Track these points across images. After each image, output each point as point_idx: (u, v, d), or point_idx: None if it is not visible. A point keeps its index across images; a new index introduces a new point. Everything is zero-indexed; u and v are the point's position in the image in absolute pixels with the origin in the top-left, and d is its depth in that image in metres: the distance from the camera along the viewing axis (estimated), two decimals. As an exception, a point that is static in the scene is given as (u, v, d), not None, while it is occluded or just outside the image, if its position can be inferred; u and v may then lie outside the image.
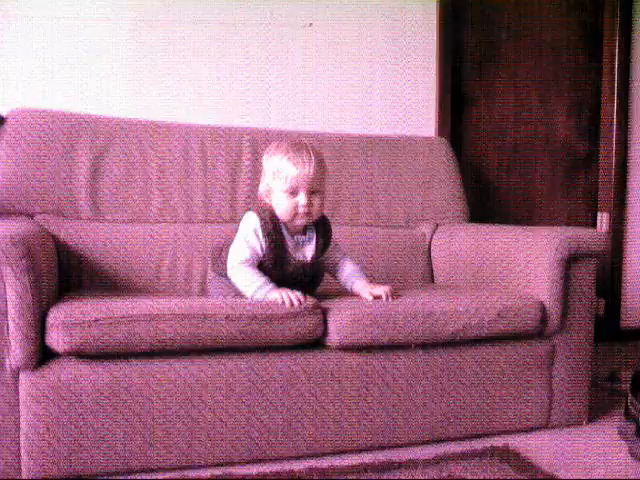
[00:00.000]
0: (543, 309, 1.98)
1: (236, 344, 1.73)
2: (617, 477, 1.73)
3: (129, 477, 1.66)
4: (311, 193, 1.87)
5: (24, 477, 1.62)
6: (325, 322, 1.81)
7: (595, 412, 2.20)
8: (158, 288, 2.23)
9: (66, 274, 2.09)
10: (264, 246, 1.87)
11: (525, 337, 2.01)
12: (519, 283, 2.09)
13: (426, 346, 1.89)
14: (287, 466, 1.73)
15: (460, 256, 2.39)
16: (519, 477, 1.68)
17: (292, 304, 1.75)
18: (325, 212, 2.49)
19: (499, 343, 1.98)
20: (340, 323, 1.80)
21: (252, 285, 1.83)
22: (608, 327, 3.35)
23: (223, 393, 1.73)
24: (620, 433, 2.00)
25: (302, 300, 1.77)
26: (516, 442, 1.94)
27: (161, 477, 1.66)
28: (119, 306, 1.67)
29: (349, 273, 2.03)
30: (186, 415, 1.71)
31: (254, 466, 1.72)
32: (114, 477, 1.65)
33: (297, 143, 1.90)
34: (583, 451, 1.92)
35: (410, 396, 1.89)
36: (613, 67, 3.38)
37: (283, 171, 1.85)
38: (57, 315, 1.61)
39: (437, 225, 2.63)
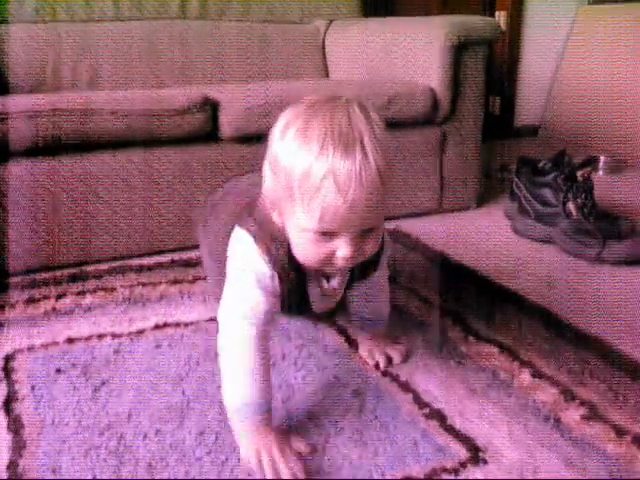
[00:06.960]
0: (434, 95, 2.01)
1: (126, 139, 1.70)
2: (500, 251, 1.85)
3: (27, 276, 1.65)
4: (362, 234, 0.95)
5: None
6: (215, 117, 1.80)
7: (485, 199, 2.31)
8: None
9: None
10: (271, 300, 1.05)
11: (416, 124, 2.04)
12: (412, 72, 2.09)
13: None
14: (184, 255, 1.77)
15: (354, 50, 2.36)
16: (410, 256, 1.78)
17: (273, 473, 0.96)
18: (213, 7, 2.40)
19: (391, 130, 1.99)
20: (232, 116, 1.80)
21: (235, 386, 1.01)
22: (503, 125, 3.45)
23: (118, 187, 1.73)
24: (505, 214, 2.12)
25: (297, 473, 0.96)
26: (407, 225, 2.03)
27: (59, 274, 1.66)
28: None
29: (369, 310, 1.28)
30: (82, 211, 1.70)
31: (152, 257, 1.76)
32: (13, 277, 1.65)
33: (344, 133, 0.88)
34: (471, 231, 2.03)
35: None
36: None
37: (313, 194, 0.87)
38: None
39: (331, 21, 2.57)
